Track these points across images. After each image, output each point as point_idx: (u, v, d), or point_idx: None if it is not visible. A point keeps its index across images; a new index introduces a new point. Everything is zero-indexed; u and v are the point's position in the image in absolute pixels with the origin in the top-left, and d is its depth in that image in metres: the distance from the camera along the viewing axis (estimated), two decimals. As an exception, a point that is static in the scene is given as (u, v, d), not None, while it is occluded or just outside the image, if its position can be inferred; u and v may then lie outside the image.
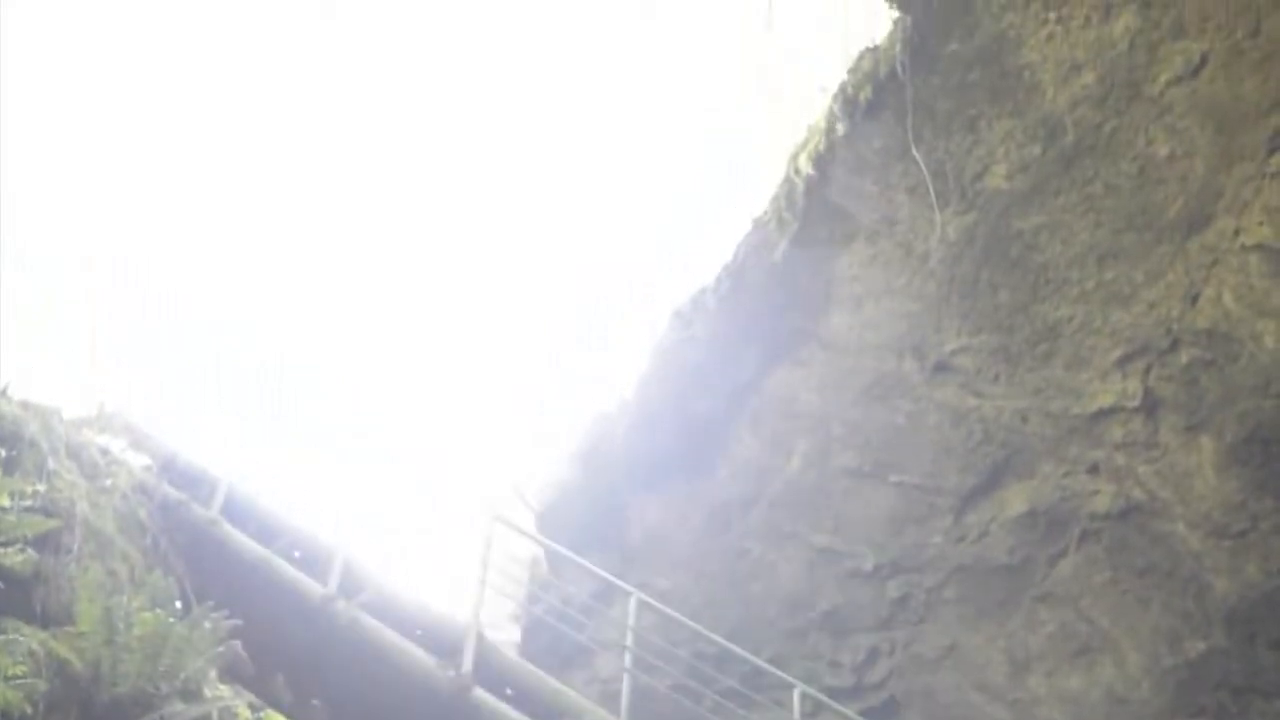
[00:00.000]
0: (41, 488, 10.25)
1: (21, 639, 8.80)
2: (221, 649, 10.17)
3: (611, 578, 15.24)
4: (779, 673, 14.87)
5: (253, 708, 11.34)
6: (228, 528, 12.67)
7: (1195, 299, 13.51)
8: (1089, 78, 12.96)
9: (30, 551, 9.55)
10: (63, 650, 9.22)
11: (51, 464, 10.67)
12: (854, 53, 14.29)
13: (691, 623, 14.90)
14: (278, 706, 12.02)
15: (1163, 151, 12.97)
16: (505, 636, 17.57)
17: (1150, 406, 14.22)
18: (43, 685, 8.64)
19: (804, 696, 14.34)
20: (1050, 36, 12.94)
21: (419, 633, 12.67)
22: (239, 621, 10.40)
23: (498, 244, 27.17)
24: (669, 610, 14.97)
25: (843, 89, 14.38)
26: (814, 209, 15.01)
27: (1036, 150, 13.52)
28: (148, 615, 9.71)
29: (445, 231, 27.42)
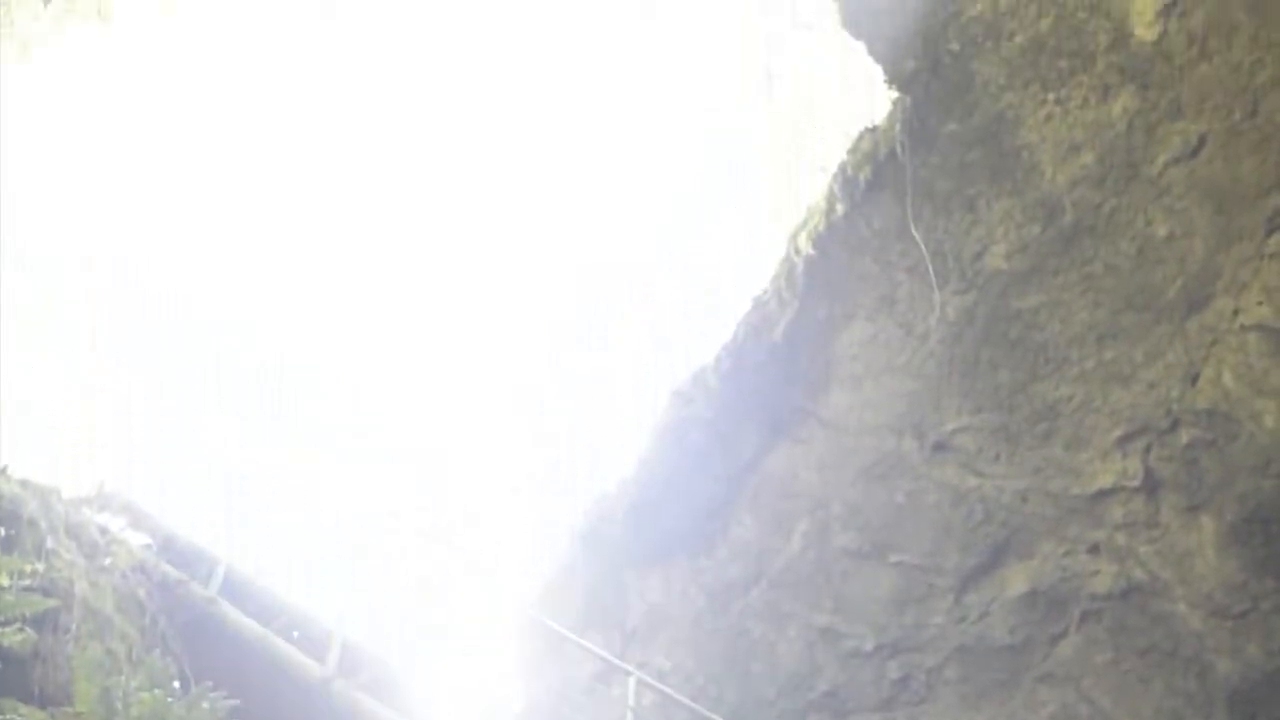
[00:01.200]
0: (40, 567, 10.09)
1: (20, 719, 8.64)
2: (220, 729, 10.00)
3: (611, 658, 15.07)
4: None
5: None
6: (226, 607, 12.50)
7: (1195, 379, 13.43)
8: (1088, 158, 12.95)
9: (29, 631, 9.38)
10: (61, 730, 9.07)
11: (50, 543, 10.52)
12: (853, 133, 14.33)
13: (692, 703, 14.73)
14: (276, 787, 11.82)
15: (1162, 231, 12.94)
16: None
17: (1151, 486, 14.10)
18: (41, 765, 8.49)
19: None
20: (1049, 117, 12.95)
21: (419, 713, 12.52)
22: (237, 701, 10.21)
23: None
24: (669, 690, 14.79)
25: (842, 169, 14.39)
26: (814, 288, 14.97)
27: (1036, 230, 13.49)
28: (146, 695, 9.54)
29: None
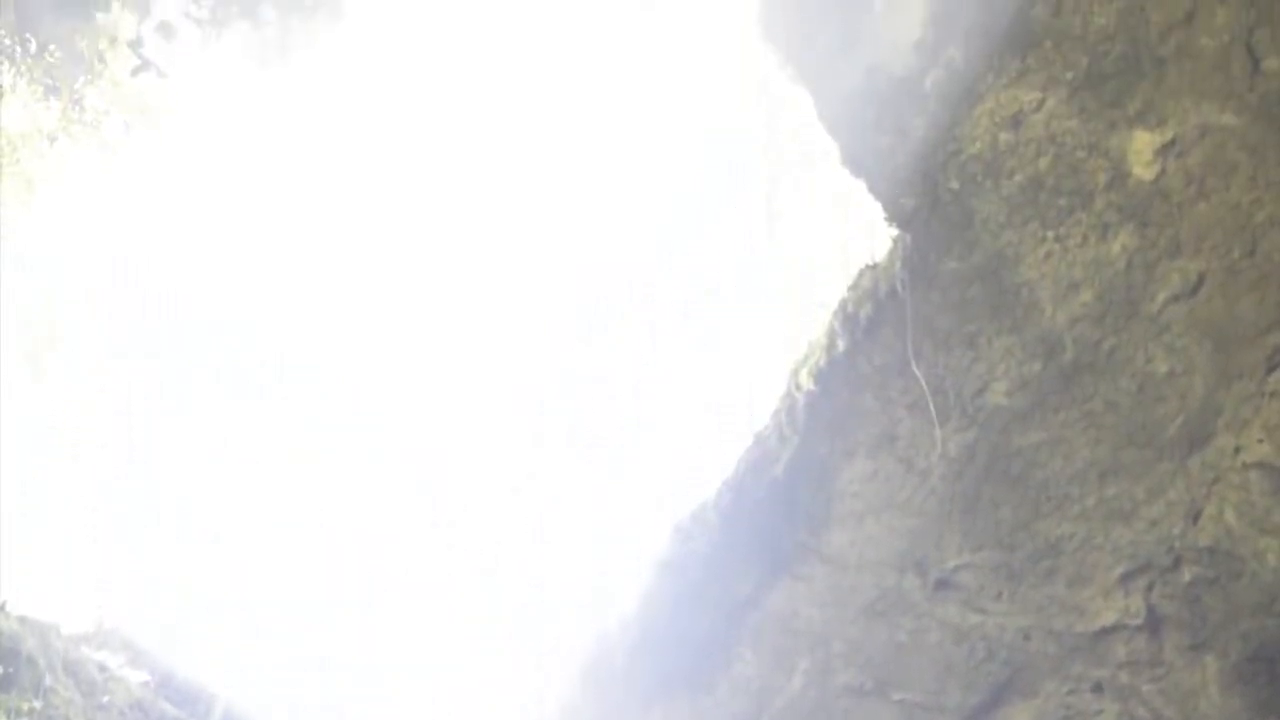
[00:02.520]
0: (38, 705, 9.89)
1: None
2: None
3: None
4: None
5: None
6: (224, 744, 12.29)
7: (1197, 516, 13.32)
8: (1087, 295, 12.94)
9: (26, 769, 9.21)
10: None
11: (49, 680, 10.31)
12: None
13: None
14: None
15: (1162, 369, 12.90)
16: None
17: (1153, 624, 13.93)
18: None
19: None
20: (1048, 255, 12.95)
21: None
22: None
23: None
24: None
25: (843, 305, 14.40)
26: (815, 425, 14.92)
27: (1036, 367, 13.45)
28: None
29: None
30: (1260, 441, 12.68)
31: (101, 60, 13.76)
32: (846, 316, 14.30)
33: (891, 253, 13.90)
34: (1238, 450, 12.87)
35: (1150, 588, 13.83)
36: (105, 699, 11.16)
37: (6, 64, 13.29)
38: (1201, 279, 12.41)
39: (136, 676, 12.19)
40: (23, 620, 10.88)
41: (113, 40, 13.78)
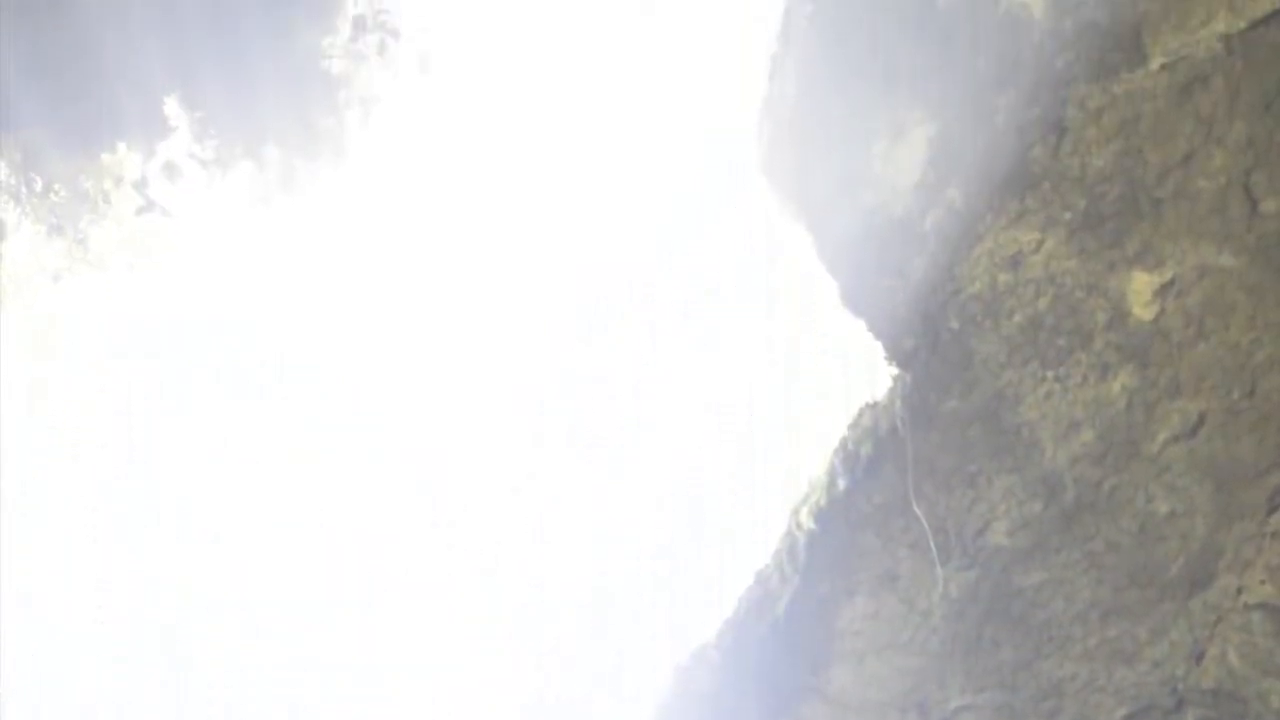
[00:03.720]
0: None
1: None
2: None
3: None
4: None
5: None
6: None
7: (1200, 657, 13.16)
8: (1088, 435, 12.88)
9: None
10: None
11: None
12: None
13: None
14: None
15: (1163, 509, 12.81)
16: None
17: (1159, 767, 13.74)
18: None
19: None
20: (1049, 394, 12.92)
21: None
22: None
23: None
24: None
25: (843, 443, 14.32)
26: (815, 564, 14.77)
27: (1037, 507, 13.36)
28: None
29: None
30: (1262, 582, 12.56)
31: (106, 200, 13.78)
32: (847, 455, 14.22)
33: (892, 391, 13.86)
34: (1240, 591, 12.75)
35: (1154, 730, 13.64)
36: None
37: (12, 203, 13.30)
38: (1202, 419, 12.37)
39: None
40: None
41: (118, 180, 13.81)
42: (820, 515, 14.50)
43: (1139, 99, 11.59)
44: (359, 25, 14.05)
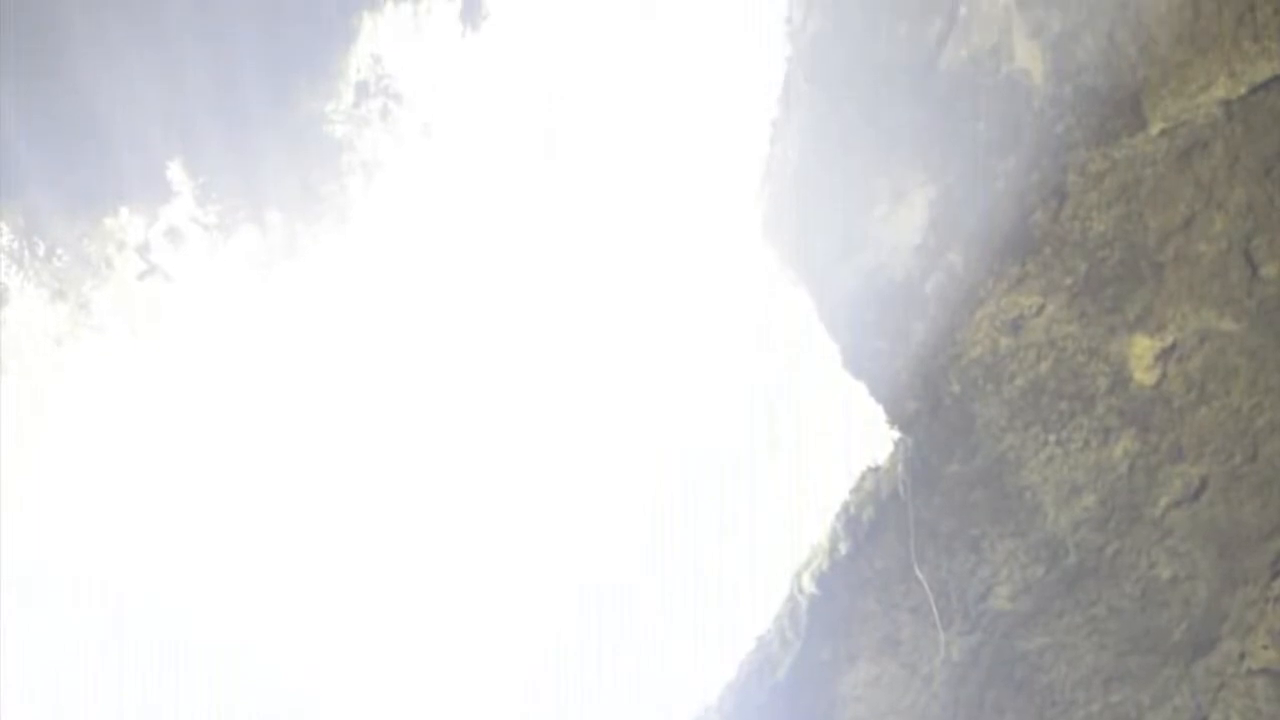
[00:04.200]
0: None
1: None
2: None
3: None
4: None
5: None
6: None
7: (1203, 723, 13.11)
8: (1090, 500, 12.85)
9: None
10: None
11: None
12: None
13: None
14: None
15: (1165, 574, 12.76)
16: None
17: (1162, 835, 13.60)
18: None
19: None
20: (1050, 459, 12.89)
21: None
22: None
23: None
24: None
25: (845, 508, 14.27)
26: (817, 628, 14.68)
27: (1039, 571, 13.30)
28: None
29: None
30: (1265, 648, 12.50)
31: (109, 264, 13.80)
32: (849, 519, 14.17)
33: (893, 455, 13.84)
34: (1243, 656, 12.68)
35: (1158, 797, 13.52)
36: None
37: (14, 267, 13.30)
38: (1204, 484, 12.34)
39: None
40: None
41: (120, 245, 13.83)
42: (821, 580, 14.43)
43: (1139, 164, 11.64)
44: (362, 90, 14.11)
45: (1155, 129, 11.50)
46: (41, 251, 13.60)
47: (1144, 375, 12.26)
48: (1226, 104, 11.07)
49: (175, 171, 13.86)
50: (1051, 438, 12.83)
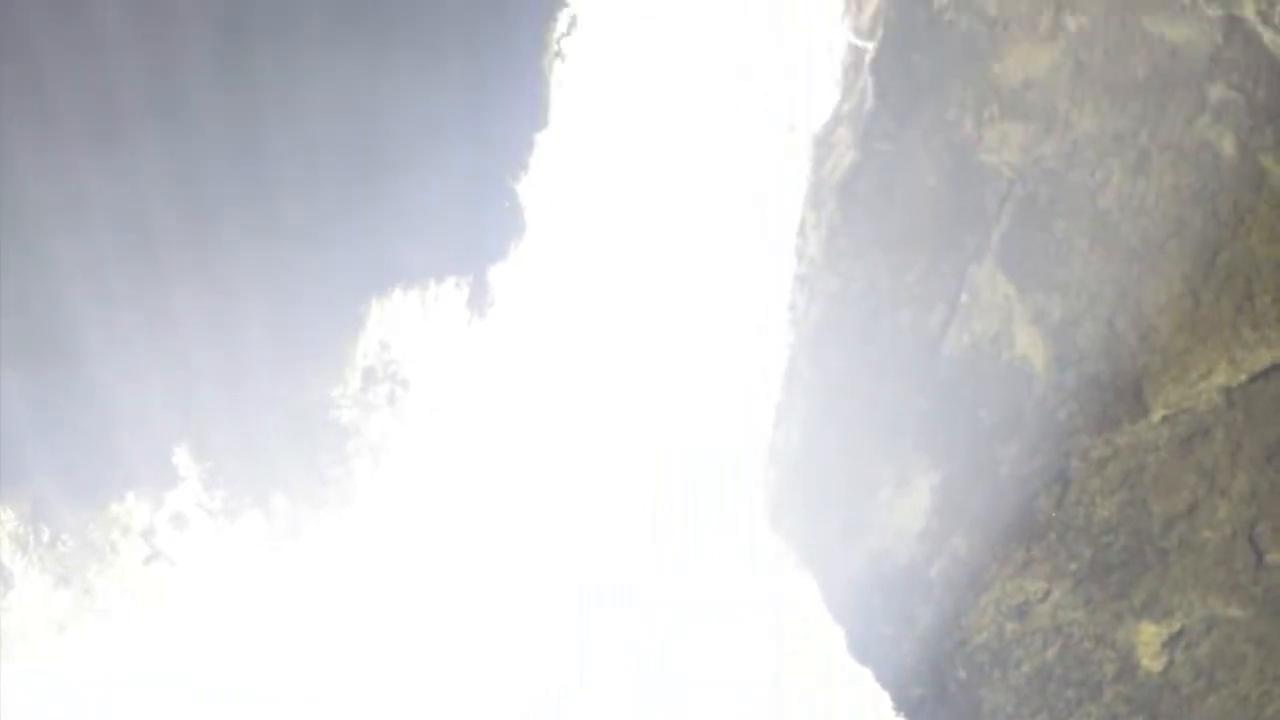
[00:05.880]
0: None
1: None
2: None
3: None
4: None
5: None
6: None
7: None
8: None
9: None
10: None
11: None
12: None
13: None
14: None
15: None
16: None
17: None
18: None
19: None
20: (1062, 747, 12.74)
21: None
22: None
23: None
24: None
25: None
26: None
27: None
28: None
29: None
30: None
31: (114, 549, 13.72)
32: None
33: (900, 735, 13.63)
34: None
35: None
36: None
37: (19, 553, 13.21)
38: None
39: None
40: None
41: (125, 530, 13.77)
42: None
43: (1142, 450, 11.71)
44: (370, 376, 14.24)
45: (1157, 415, 11.61)
46: (46, 537, 13.51)
47: (1151, 662, 12.14)
48: (1228, 391, 11.22)
49: (181, 457, 13.88)
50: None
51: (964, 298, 12.76)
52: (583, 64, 13.73)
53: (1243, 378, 11.16)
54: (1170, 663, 12.03)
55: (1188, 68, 11.30)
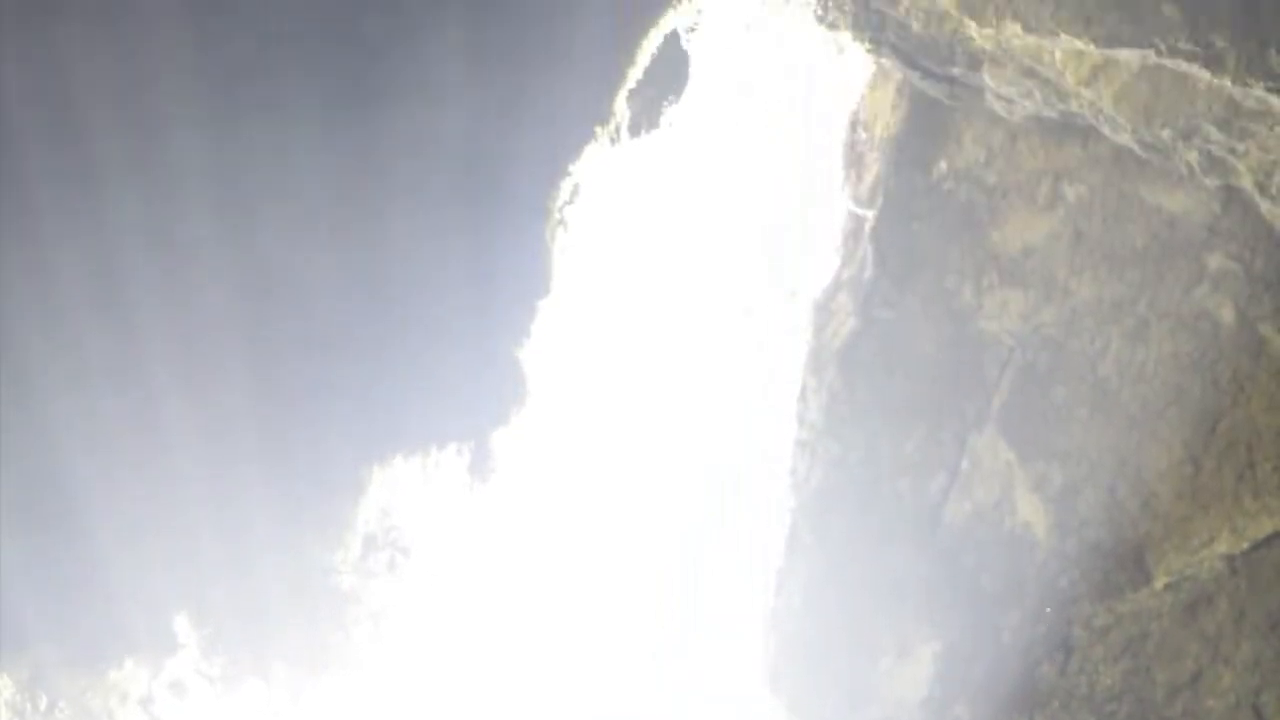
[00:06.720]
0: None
1: None
2: None
3: None
4: None
5: None
6: None
7: None
8: None
9: None
10: None
11: None
12: None
13: None
14: None
15: None
16: None
17: None
18: None
19: None
20: None
21: None
22: None
23: None
24: None
25: None
26: None
27: None
28: None
29: None
30: None
31: (111, 717, 13.55)
32: None
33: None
34: None
35: None
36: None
37: (16, 720, 13.06)
38: None
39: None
40: None
41: (124, 697, 13.61)
42: None
43: (1144, 618, 11.67)
44: (370, 543, 14.18)
45: (1159, 583, 11.59)
46: (44, 705, 13.36)
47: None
48: (1230, 559, 11.21)
49: (181, 623, 13.77)
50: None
51: (965, 465, 12.79)
52: (585, 231, 13.84)
53: (1245, 545, 11.16)
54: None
55: (1186, 237, 11.45)
